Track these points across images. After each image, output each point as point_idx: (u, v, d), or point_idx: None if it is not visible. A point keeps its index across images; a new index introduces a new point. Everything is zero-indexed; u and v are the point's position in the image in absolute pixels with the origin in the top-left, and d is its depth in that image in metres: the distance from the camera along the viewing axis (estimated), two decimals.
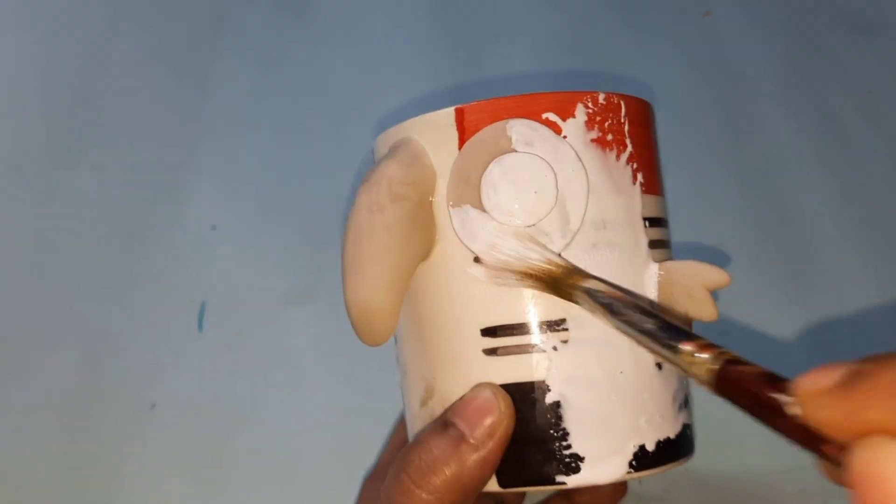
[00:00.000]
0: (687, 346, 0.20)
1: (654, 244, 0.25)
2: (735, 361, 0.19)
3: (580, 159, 0.24)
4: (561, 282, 0.23)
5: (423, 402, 0.26)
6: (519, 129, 0.24)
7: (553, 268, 0.24)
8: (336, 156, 0.46)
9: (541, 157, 0.24)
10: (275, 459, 0.38)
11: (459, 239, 0.25)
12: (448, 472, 0.23)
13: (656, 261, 0.25)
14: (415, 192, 0.25)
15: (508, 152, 0.24)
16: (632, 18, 0.52)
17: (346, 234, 0.25)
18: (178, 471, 0.38)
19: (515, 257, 0.24)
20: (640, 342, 0.22)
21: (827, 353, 0.40)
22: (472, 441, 0.23)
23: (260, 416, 0.40)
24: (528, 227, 0.24)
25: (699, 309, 0.25)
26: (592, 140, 0.25)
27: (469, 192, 0.24)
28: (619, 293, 0.23)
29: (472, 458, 0.23)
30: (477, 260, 0.24)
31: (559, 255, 0.24)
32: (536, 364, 0.24)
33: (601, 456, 0.24)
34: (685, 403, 0.26)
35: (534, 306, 0.24)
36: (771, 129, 0.47)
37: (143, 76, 0.50)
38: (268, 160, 0.47)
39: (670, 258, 0.26)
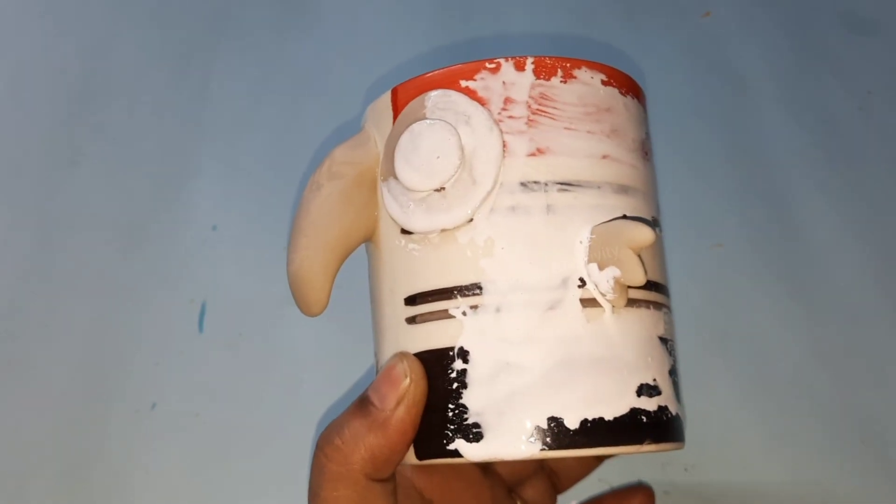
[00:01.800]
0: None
1: (589, 206, 0.24)
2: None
3: (495, 122, 0.24)
4: None
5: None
6: (433, 99, 0.25)
7: None
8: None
9: (443, 121, 0.24)
10: (275, 459, 0.38)
11: (388, 212, 0.25)
12: (364, 447, 0.23)
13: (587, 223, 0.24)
14: (352, 170, 0.26)
15: (418, 121, 0.24)
16: (632, 19, 0.52)
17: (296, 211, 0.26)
18: (179, 471, 0.38)
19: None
20: None
21: (827, 353, 0.40)
22: (384, 412, 0.23)
23: (260, 416, 0.40)
24: (436, 191, 0.24)
25: (627, 273, 0.23)
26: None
27: (389, 165, 0.25)
28: None
29: (385, 430, 0.23)
30: (403, 231, 0.25)
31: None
32: (447, 330, 0.23)
33: (505, 429, 0.22)
34: (652, 389, 0.24)
35: (448, 272, 0.24)
36: (771, 129, 0.47)
37: (144, 76, 0.50)
38: (268, 160, 0.47)
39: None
